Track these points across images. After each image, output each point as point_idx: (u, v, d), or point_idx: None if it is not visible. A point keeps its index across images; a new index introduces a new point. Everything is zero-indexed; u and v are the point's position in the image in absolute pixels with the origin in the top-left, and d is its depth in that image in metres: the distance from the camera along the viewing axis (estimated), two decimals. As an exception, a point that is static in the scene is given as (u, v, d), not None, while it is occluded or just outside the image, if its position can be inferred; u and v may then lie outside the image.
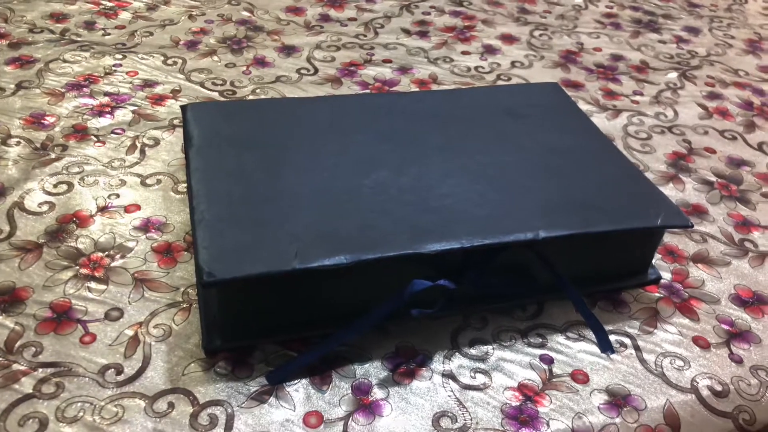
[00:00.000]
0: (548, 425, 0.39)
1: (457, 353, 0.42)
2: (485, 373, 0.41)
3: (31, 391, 0.38)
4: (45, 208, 0.50)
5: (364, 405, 0.39)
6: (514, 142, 0.50)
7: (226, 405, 0.38)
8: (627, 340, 0.44)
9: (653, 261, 0.49)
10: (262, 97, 0.64)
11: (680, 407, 0.40)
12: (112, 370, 0.39)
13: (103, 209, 0.50)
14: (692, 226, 0.45)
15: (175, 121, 0.60)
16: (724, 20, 0.89)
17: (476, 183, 0.45)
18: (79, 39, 0.71)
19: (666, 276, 0.49)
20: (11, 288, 0.44)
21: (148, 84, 0.65)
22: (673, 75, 0.75)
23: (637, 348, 0.44)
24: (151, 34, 0.73)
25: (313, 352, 0.40)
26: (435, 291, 0.40)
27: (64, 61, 0.67)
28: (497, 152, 0.49)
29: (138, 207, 0.51)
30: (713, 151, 0.63)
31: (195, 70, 0.67)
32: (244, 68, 0.68)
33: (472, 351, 0.43)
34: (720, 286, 0.49)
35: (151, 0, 0.79)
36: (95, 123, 0.59)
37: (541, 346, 0.43)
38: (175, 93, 0.64)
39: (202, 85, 0.65)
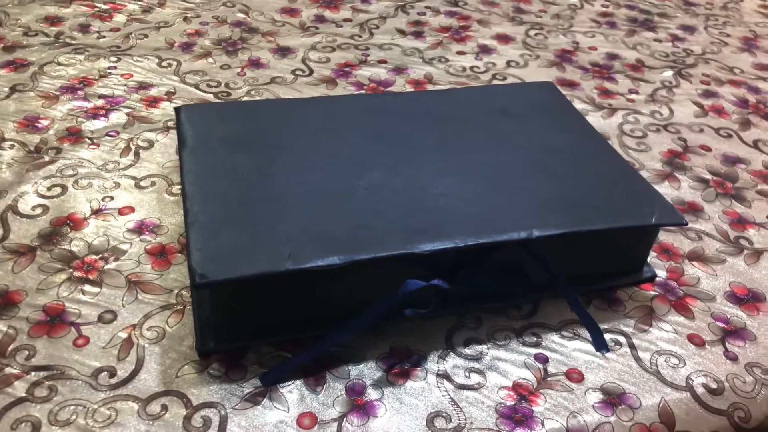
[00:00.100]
0: (543, 424, 0.39)
1: (451, 353, 0.42)
2: (480, 372, 0.41)
3: (24, 394, 0.38)
4: (39, 211, 0.50)
5: (359, 406, 0.39)
6: (509, 142, 0.50)
7: (219, 407, 0.38)
8: (622, 339, 0.44)
9: (648, 259, 0.49)
10: (257, 98, 0.64)
11: (675, 405, 0.40)
12: (106, 372, 0.39)
13: (97, 212, 0.50)
14: (686, 224, 0.45)
15: (170, 123, 0.60)
16: (720, 18, 0.89)
17: (470, 183, 0.45)
18: (73, 42, 0.71)
19: (661, 274, 0.49)
20: (4, 291, 0.43)
21: (142, 86, 0.64)
22: (668, 73, 0.75)
23: (632, 346, 0.44)
24: (146, 36, 0.73)
25: (306, 353, 0.40)
26: (429, 291, 0.40)
27: (59, 64, 0.67)
28: (492, 152, 0.49)
29: (132, 209, 0.51)
30: (708, 149, 0.63)
31: (190, 72, 0.67)
32: (239, 70, 0.68)
33: (467, 351, 0.43)
34: (715, 284, 0.49)
35: (146, 2, 0.79)
36: (89, 125, 0.59)
37: (536, 345, 0.43)
38: (170, 95, 0.64)
39: (196, 87, 0.65)
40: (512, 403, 0.40)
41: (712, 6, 0.93)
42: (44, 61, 0.67)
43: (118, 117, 0.60)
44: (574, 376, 0.41)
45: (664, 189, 0.58)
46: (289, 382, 0.40)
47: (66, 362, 0.40)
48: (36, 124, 0.58)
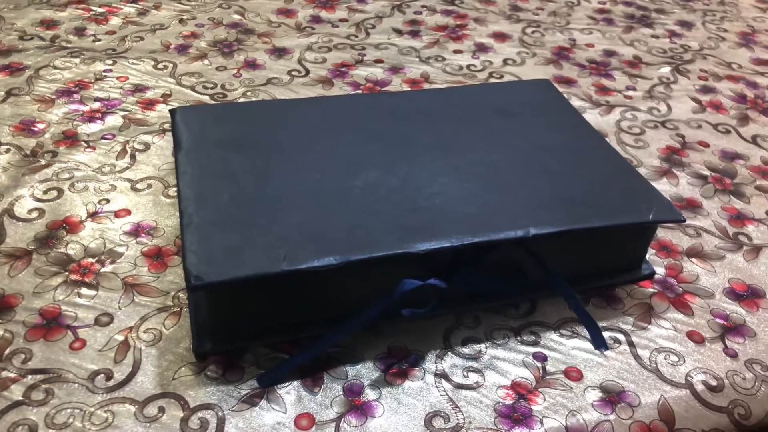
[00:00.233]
0: (542, 423, 0.38)
1: (449, 352, 0.42)
2: (478, 372, 0.41)
3: (20, 398, 0.38)
4: (35, 214, 0.50)
5: (356, 406, 0.39)
6: (505, 140, 0.50)
7: (216, 409, 0.38)
8: (621, 336, 0.44)
9: (647, 256, 0.49)
10: (253, 99, 0.64)
11: (675, 403, 0.40)
12: (102, 375, 0.39)
13: (93, 215, 0.50)
14: (684, 221, 0.45)
15: (166, 126, 0.60)
16: (717, 14, 0.89)
17: (466, 182, 0.45)
18: (69, 45, 0.71)
19: (660, 271, 0.49)
20: (0, 295, 0.43)
21: (138, 89, 0.64)
22: (666, 69, 0.75)
23: (631, 344, 0.44)
24: (142, 38, 0.73)
25: (304, 354, 0.40)
26: (426, 291, 0.40)
27: (55, 67, 0.67)
28: (488, 150, 0.49)
29: (128, 212, 0.50)
30: (707, 145, 0.63)
31: (185, 74, 0.67)
32: (235, 71, 0.68)
33: (465, 350, 0.42)
34: (714, 281, 0.49)
35: (142, 5, 0.79)
36: (85, 129, 0.59)
37: (535, 343, 0.43)
38: (166, 97, 0.63)
39: (192, 88, 0.65)
40: (511, 402, 0.39)
41: (710, 1, 0.92)
42: (40, 65, 0.67)
43: (114, 120, 0.60)
44: (573, 374, 0.41)
45: (662, 186, 0.57)
46: (287, 383, 0.39)
47: (62, 365, 0.39)
48: (32, 128, 0.58)
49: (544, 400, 0.40)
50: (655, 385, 0.41)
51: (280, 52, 0.72)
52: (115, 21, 0.76)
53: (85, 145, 0.57)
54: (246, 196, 0.42)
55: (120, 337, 0.41)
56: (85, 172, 0.54)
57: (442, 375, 0.41)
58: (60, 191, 0.52)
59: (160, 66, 0.68)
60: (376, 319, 0.39)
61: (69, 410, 0.37)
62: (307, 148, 0.47)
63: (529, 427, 0.38)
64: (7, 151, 0.56)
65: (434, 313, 0.42)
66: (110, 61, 0.68)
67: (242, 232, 0.40)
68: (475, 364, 0.42)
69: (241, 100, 0.64)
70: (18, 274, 0.45)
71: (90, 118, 0.60)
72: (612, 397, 0.40)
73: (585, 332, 0.44)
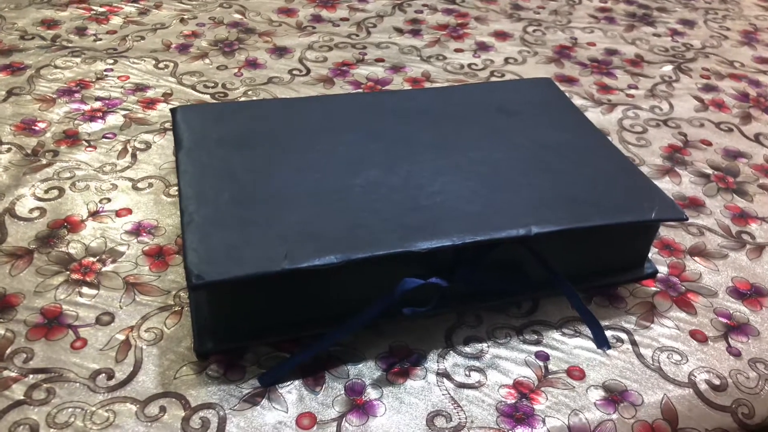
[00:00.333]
0: (544, 422, 0.38)
1: (451, 352, 0.42)
2: (480, 371, 0.41)
3: (22, 397, 0.38)
4: (36, 213, 0.50)
5: (358, 405, 0.39)
6: (507, 139, 0.50)
7: (218, 408, 0.38)
8: (623, 336, 0.44)
9: (649, 255, 0.49)
10: (254, 98, 0.64)
11: (678, 402, 0.40)
12: (103, 374, 0.39)
13: (94, 214, 0.50)
14: (687, 219, 0.45)
15: (167, 125, 0.59)
16: (719, 12, 0.89)
17: (467, 180, 0.45)
18: (70, 45, 0.71)
19: (662, 270, 0.49)
20: (2, 294, 0.43)
21: (139, 88, 0.64)
22: (668, 68, 0.75)
23: (633, 343, 0.43)
24: (143, 38, 0.73)
25: (305, 353, 0.40)
26: (428, 289, 0.40)
27: (56, 67, 0.67)
28: (489, 149, 0.48)
29: (129, 211, 0.50)
30: (709, 144, 0.63)
31: (186, 73, 0.67)
32: (236, 70, 0.68)
33: (467, 349, 0.42)
34: (717, 279, 0.49)
35: (143, 4, 0.79)
36: (86, 128, 0.59)
37: (537, 342, 0.43)
38: (167, 96, 0.63)
39: (193, 88, 0.65)
40: (513, 401, 0.39)
41: (711, 0, 0.92)
42: (41, 65, 0.67)
43: (115, 119, 0.60)
44: (576, 373, 0.41)
45: (665, 184, 0.57)
46: (288, 383, 0.39)
47: (64, 365, 0.39)
48: (33, 127, 0.58)
49: (547, 399, 0.39)
50: (658, 384, 0.41)
51: (281, 52, 0.72)
52: (115, 20, 0.76)
53: (86, 144, 0.57)
54: (247, 194, 0.42)
55: (121, 337, 0.41)
56: (86, 171, 0.54)
57: (444, 374, 0.41)
58: (61, 190, 0.52)
59: (161, 65, 0.68)
60: (377, 317, 0.39)
61: (70, 410, 0.37)
62: (307, 147, 0.47)
63: (531, 427, 0.38)
64: (8, 150, 0.55)
65: (436, 312, 0.42)
66: (111, 61, 0.68)
67: (243, 230, 0.40)
68: (477, 363, 0.41)
69: (242, 99, 0.64)
70: (19, 273, 0.45)
71: (91, 117, 0.60)
72: (615, 396, 0.40)
73: (587, 331, 0.43)
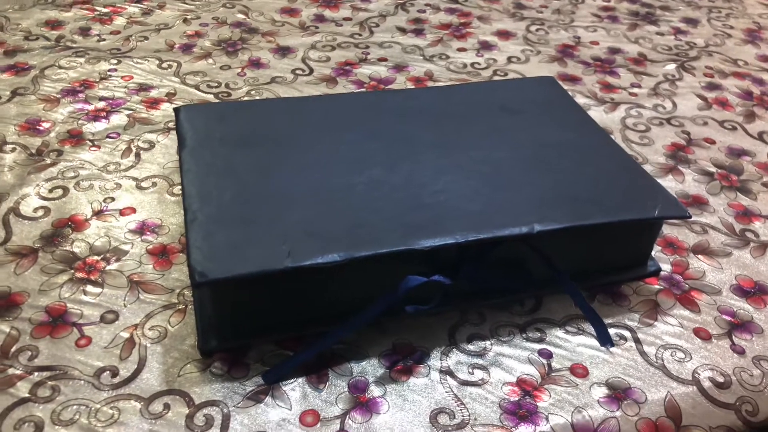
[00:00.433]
0: (547, 420, 0.38)
1: (454, 349, 0.42)
2: (483, 368, 0.41)
3: (27, 394, 0.38)
4: (40, 212, 0.50)
5: (361, 403, 0.39)
6: (509, 138, 0.50)
7: (222, 405, 0.38)
8: (627, 333, 0.44)
9: (653, 253, 0.49)
10: (257, 98, 0.64)
11: (681, 399, 0.40)
12: (108, 372, 0.39)
13: (98, 213, 0.50)
14: (690, 217, 0.45)
15: (170, 124, 0.60)
16: (723, 10, 0.89)
17: (470, 179, 0.45)
18: (74, 45, 0.71)
19: (666, 268, 0.49)
20: (7, 293, 0.43)
21: (143, 88, 0.65)
22: (671, 66, 0.75)
23: (637, 341, 0.43)
24: (146, 38, 0.73)
25: (308, 351, 0.40)
26: (431, 288, 0.40)
27: (60, 67, 0.67)
28: (491, 148, 0.48)
29: (133, 210, 0.51)
30: (713, 142, 0.63)
31: (190, 73, 0.67)
32: (239, 70, 0.68)
33: (470, 347, 0.42)
34: (721, 277, 0.49)
35: (146, 5, 0.80)
36: (90, 128, 0.59)
37: (540, 340, 0.43)
38: (170, 96, 0.64)
39: (197, 87, 0.65)
40: (516, 398, 0.39)
41: (715, -1, 0.92)
42: (45, 65, 0.67)
43: (118, 119, 0.60)
44: (579, 371, 0.41)
45: (668, 182, 0.57)
46: (292, 380, 0.39)
47: (68, 362, 0.40)
48: (37, 127, 0.59)
49: (550, 396, 0.40)
50: (662, 381, 0.41)
51: (284, 51, 0.72)
52: (119, 21, 0.76)
53: (90, 143, 0.57)
54: (250, 193, 0.42)
55: (125, 335, 0.41)
56: (90, 170, 0.54)
57: (447, 372, 0.41)
58: (65, 190, 0.52)
59: (164, 65, 0.68)
60: (380, 315, 0.39)
61: (75, 407, 0.37)
62: (310, 146, 0.47)
63: (534, 424, 0.38)
64: (13, 150, 0.56)
65: (439, 310, 0.42)
66: (115, 61, 0.68)
67: (246, 229, 0.40)
68: (480, 361, 0.41)
69: (245, 98, 0.64)
70: (24, 272, 0.45)
71: (95, 117, 0.60)
72: (618, 393, 0.40)
73: (590, 329, 0.43)
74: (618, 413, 0.39)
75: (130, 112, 0.61)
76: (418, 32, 0.78)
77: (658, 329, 0.44)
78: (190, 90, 0.65)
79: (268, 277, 0.37)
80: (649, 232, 0.47)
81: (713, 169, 0.59)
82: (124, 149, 0.57)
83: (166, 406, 0.38)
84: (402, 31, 0.78)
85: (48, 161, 0.55)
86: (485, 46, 0.76)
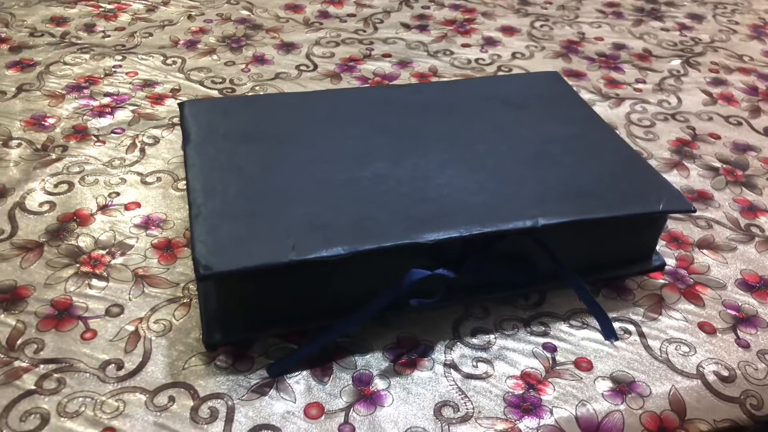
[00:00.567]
0: (551, 413, 0.38)
1: (458, 343, 0.42)
2: (487, 362, 0.41)
3: (32, 387, 0.38)
4: (46, 207, 0.50)
5: (365, 395, 0.39)
6: (513, 132, 0.50)
7: (226, 398, 0.38)
8: (631, 327, 0.44)
9: (657, 248, 0.48)
10: (261, 93, 0.64)
11: (686, 393, 0.40)
12: (113, 365, 0.39)
13: (103, 208, 0.50)
14: (695, 211, 0.45)
15: (175, 120, 0.60)
16: (729, 6, 0.88)
17: (474, 173, 0.45)
18: (79, 41, 0.71)
19: (670, 262, 0.49)
20: (12, 287, 0.44)
21: (147, 84, 0.65)
22: (676, 62, 0.74)
23: (641, 335, 0.43)
24: (151, 34, 0.73)
25: (313, 344, 0.40)
26: (436, 281, 0.40)
27: (65, 63, 0.67)
28: (496, 142, 0.48)
29: (138, 205, 0.51)
30: (718, 137, 0.63)
31: (194, 69, 0.68)
32: (244, 66, 0.68)
33: (474, 340, 0.42)
34: (726, 272, 0.48)
35: (151, 1, 0.80)
36: (95, 123, 0.59)
37: (544, 334, 0.43)
38: (175, 92, 0.64)
39: (201, 83, 0.65)
40: (520, 392, 0.39)
41: (720, -6, 0.92)
42: (50, 61, 0.67)
43: (123, 114, 0.60)
44: (583, 364, 0.41)
45: (673, 177, 0.57)
46: (296, 373, 0.40)
47: (74, 355, 0.40)
48: (42, 123, 0.59)
49: (554, 390, 0.39)
50: (666, 375, 0.41)
51: (288, 47, 0.72)
52: (124, 17, 0.76)
53: (95, 139, 0.57)
54: (254, 187, 0.43)
55: (130, 328, 0.42)
56: (95, 165, 0.54)
57: (452, 365, 0.41)
58: (71, 185, 0.52)
59: (169, 61, 0.68)
60: (384, 309, 0.39)
61: (80, 399, 0.37)
62: (314, 140, 0.47)
63: (538, 417, 0.38)
64: (19, 145, 0.56)
65: (443, 303, 0.42)
66: (119, 57, 0.69)
67: (250, 223, 0.40)
68: (484, 355, 0.41)
69: (250, 94, 0.64)
70: (30, 265, 0.45)
71: (100, 112, 0.60)
72: (622, 387, 0.40)
73: (595, 323, 0.43)
74: (622, 407, 0.39)
75: (135, 107, 0.61)
76: (423, 28, 0.78)
77: (662, 323, 0.44)
78: (195, 86, 0.65)
79: (272, 270, 0.37)
80: (653, 226, 0.47)
81: (718, 164, 0.59)
82: (129, 144, 0.57)
83: (171, 399, 0.38)
84: (406, 27, 0.78)
85: (53, 156, 0.55)
86: (489, 42, 0.76)
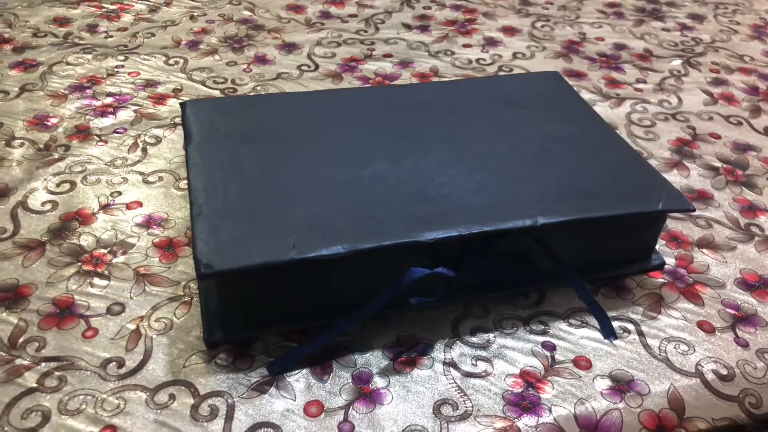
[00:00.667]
0: (550, 411, 0.38)
1: (458, 341, 0.42)
2: (487, 360, 0.41)
3: (34, 384, 0.38)
4: (48, 206, 0.50)
5: (365, 394, 0.39)
6: (514, 132, 0.50)
7: (226, 396, 0.38)
8: (630, 326, 0.44)
9: (657, 247, 0.49)
10: (262, 93, 0.64)
11: (685, 391, 0.40)
12: (114, 363, 0.40)
13: (105, 207, 0.51)
14: (694, 210, 0.45)
15: (177, 120, 0.60)
16: (729, 6, 0.88)
17: (474, 172, 0.45)
18: (81, 42, 0.71)
19: (670, 261, 0.49)
20: (15, 285, 0.44)
21: (149, 84, 0.65)
22: (677, 62, 0.74)
23: (640, 333, 0.43)
24: (153, 35, 0.73)
25: (313, 343, 0.40)
26: (435, 280, 0.40)
27: (67, 63, 0.67)
28: (496, 142, 0.49)
29: (140, 204, 0.51)
30: (718, 137, 0.63)
31: (196, 69, 0.68)
32: (245, 66, 0.69)
33: (474, 339, 0.42)
34: (725, 271, 0.49)
35: (153, 2, 0.80)
36: (97, 123, 0.59)
37: (543, 333, 0.43)
38: (177, 92, 0.64)
39: (203, 83, 0.66)
40: (519, 390, 0.39)
41: (722, -6, 0.92)
42: (53, 61, 0.68)
43: (125, 114, 0.61)
44: (582, 363, 0.41)
45: (673, 177, 0.57)
46: (296, 371, 0.40)
47: (75, 353, 0.40)
48: (45, 123, 0.59)
49: (553, 388, 0.40)
50: (665, 374, 0.41)
51: (289, 48, 0.72)
52: (126, 18, 0.77)
53: (98, 139, 0.58)
54: (255, 186, 0.43)
55: (131, 326, 0.42)
56: (98, 165, 0.55)
57: (451, 363, 0.41)
58: (73, 184, 0.52)
59: (171, 61, 0.69)
60: (384, 307, 0.40)
61: (81, 397, 0.38)
62: (315, 140, 0.47)
63: (537, 415, 0.38)
64: (21, 145, 0.56)
65: (443, 302, 0.42)
66: (122, 57, 0.69)
67: (251, 222, 0.40)
68: (483, 353, 0.42)
69: (251, 94, 0.64)
70: (32, 264, 0.46)
71: (102, 112, 0.61)
72: (621, 385, 0.40)
73: (594, 322, 0.43)
74: (621, 405, 0.39)
75: (137, 107, 0.62)
76: (424, 28, 0.78)
77: (661, 322, 0.44)
78: (197, 86, 0.65)
79: (273, 268, 0.38)
80: (653, 225, 0.47)
81: (718, 164, 0.59)
82: (131, 144, 0.57)
83: (172, 397, 0.38)
84: (407, 27, 0.78)
85: (56, 156, 0.55)
86: (490, 42, 0.76)
